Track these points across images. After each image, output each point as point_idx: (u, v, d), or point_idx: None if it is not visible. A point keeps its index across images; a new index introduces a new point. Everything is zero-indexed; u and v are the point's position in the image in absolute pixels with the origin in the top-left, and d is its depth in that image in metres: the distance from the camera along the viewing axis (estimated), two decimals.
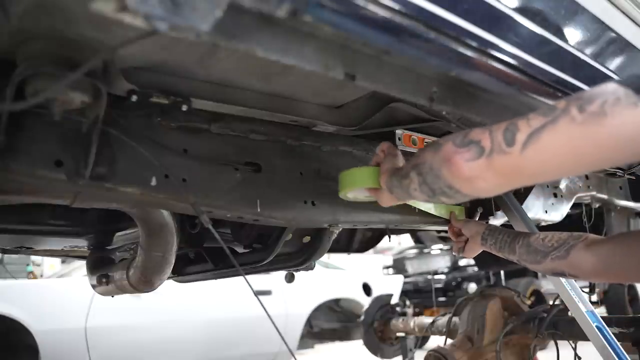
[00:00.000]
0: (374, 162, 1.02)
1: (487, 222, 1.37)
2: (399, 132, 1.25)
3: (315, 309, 4.69)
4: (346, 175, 1.02)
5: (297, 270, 1.62)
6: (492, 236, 1.24)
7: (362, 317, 3.50)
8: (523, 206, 1.57)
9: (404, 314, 3.31)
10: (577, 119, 0.59)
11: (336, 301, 5.06)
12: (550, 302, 2.02)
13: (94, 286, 1.64)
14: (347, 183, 1.02)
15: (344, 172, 1.02)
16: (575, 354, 1.91)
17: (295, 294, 4.45)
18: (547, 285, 5.77)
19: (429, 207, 1.37)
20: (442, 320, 2.64)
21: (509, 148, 0.63)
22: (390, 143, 1.03)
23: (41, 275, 7.18)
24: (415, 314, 3.30)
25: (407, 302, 3.42)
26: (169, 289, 3.10)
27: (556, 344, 1.95)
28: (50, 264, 7.57)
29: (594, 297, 2.46)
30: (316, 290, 4.73)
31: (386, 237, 2.05)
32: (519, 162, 0.63)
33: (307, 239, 1.49)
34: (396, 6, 0.66)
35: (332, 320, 5.12)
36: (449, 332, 2.41)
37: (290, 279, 1.70)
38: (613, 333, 1.49)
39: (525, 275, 5.91)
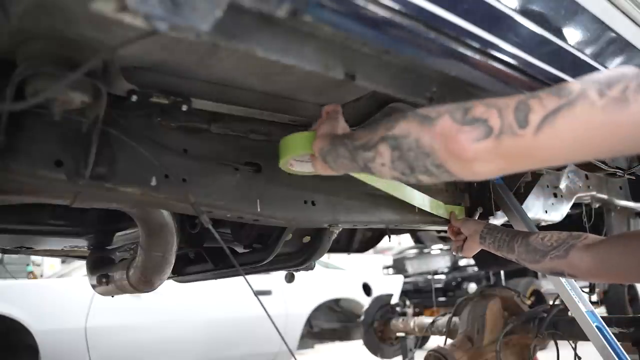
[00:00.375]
0: (318, 126, 0.93)
1: (487, 221, 1.37)
2: None
3: (315, 309, 4.69)
4: (285, 141, 0.93)
5: (297, 270, 1.62)
6: (491, 235, 1.23)
7: (362, 317, 3.50)
8: (523, 206, 1.57)
9: (404, 314, 3.31)
10: (597, 104, 0.55)
11: (336, 301, 5.06)
12: (550, 302, 2.02)
13: (94, 286, 1.64)
14: (283, 151, 0.93)
15: (284, 137, 0.93)
16: (575, 354, 1.91)
17: (295, 294, 4.45)
18: (547, 285, 5.77)
19: (424, 205, 1.36)
20: (442, 320, 2.64)
21: (521, 130, 0.58)
22: (336, 105, 0.94)
23: (41, 275, 7.18)
24: (415, 314, 3.30)
25: (407, 302, 3.42)
26: (169, 289, 3.10)
27: (556, 344, 1.95)
28: (50, 264, 7.57)
29: (594, 297, 2.46)
30: (316, 290, 4.73)
31: (386, 237, 2.05)
32: (531, 145, 0.58)
33: (307, 239, 1.49)
34: (396, 6, 0.66)
35: (332, 320, 5.12)
36: (449, 332, 2.41)
37: (290, 279, 1.70)
38: (613, 333, 1.49)
39: (525, 275, 5.91)
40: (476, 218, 1.51)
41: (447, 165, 0.64)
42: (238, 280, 1.30)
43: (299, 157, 0.94)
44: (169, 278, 1.55)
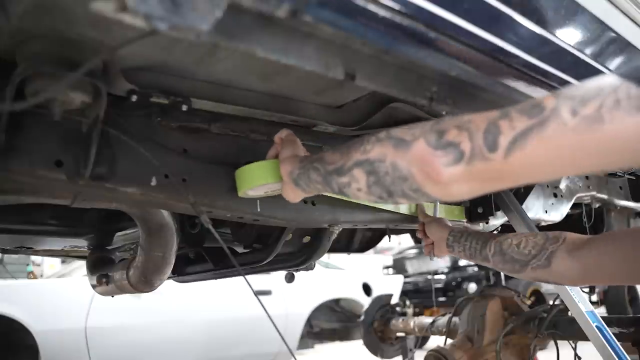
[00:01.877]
0: (272, 154, 0.94)
1: (452, 227, 1.25)
2: None
3: (315, 309, 4.69)
4: (243, 172, 0.93)
5: (297, 270, 1.62)
6: (459, 243, 1.16)
7: (362, 317, 3.50)
8: (523, 206, 1.57)
9: (404, 314, 3.31)
10: (568, 123, 0.51)
11: (336, 301, 5.06)
12: (550, 302, 2.02)
13: (94, 286, 1.64)
14: (246, 181, 0.93)
15: (240, 168, 0.94)
16: (575, 354, 1.91)
17: (295, 294, 4.45)
18: (547, 285, 5.77)
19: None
20: (442, 320, 2.64)
21: (491, 154, 0.55)
22: (289, 130, 0.95)
23: (41, 275, 7.18)
24: (415, 314, 3.30)
25: (407, 302, 3.42)
26: (169, 289, 3.11)
27: (556, 344, 1.95)
28: (50, 264, 7.57)
29: (594, 297, 2.47)
30: (316, 290, 4.73)
31: (386, 237, 2.05)
32: (502, 168, 0.56)
33: (307, 239, 1.49)
34: (396, 6, 0.66)
35: (332, 320, 5.13)
36: (449, 332, 2.41)
37: (290, 279, 1.70)
38: (613, 333, 1.49)
39: None
40: (447, 222, 1.33)
41: (424, 189, 0.64)
42: (238, 280, 1.30)
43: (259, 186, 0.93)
44: (169, 278, 1.55)
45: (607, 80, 0.51)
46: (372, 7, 0.64)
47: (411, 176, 0.64)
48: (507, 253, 1.04)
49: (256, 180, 0.91)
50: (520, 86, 0.94)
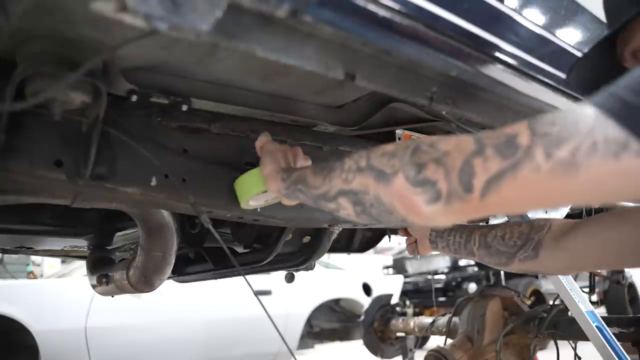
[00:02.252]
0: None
1: None
2: (399, 132, 1.25)
3: (315, 309, 4.69)
4: (238, 184, 0.94)
5: (297, 270, 1.62)
6: (442, 238, 1.14)
7: (362, 317, 3.50)
8: None
9: (404, 314, 3.31)
10: (542, 167, 0.48)
11: (336, 301, 5.06)
12: (550, 302, 2.02)
13: (94, 286, 1.64)
14: (241, 193, 0.94)
15: (237, 180, 0.95)
16: (575, 354, 1.91)
17: (295, 294, 4.45)
18: (547, 285, 5.77)
19: None
20: (442, 320, 2.64)
21: (468, 195, 0.55)
22: (266, 136, 0.94)
23: (41, 275, 7.18)
24: (415, 314, 3.30)
25: (407, 302, 3.42)
26: (169, 289, 3.11)
27: (556, 344, 1.95)
28: (50, 264, 7.57)
29: (594, 297, 2.46)
30: (316, 290, 4.73)
31: (386, 237, 2.05)
32: (479, 208, 0.56)
33: (307, 239, 1.49)
34: (396, 6, 0.66)
35: (332, 320, 5.13)
36: (449, 332, 2.42)
37: (290, 279, 1.70)
38: (613, 333, 1.49)
39: (525, 275, 5.91)
40: None
41: (410, 220, 0.64)
42: (238, 280, 1.30)
43: (257, 195, 0.93)
44: (169, 278, 1.56)
45: (585, 115, 0.48)
46: (372, 7, 0.64)
47: (395, 210, 0.64)
48: (492, 246, 1.03)
49: (248, 191, 0.92)
50: (520, 86, 0.94)
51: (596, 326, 1.47)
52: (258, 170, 0.91)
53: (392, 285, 5.38)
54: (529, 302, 2.24)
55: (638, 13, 0.69)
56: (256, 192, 0.92)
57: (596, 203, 0.49)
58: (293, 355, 1.04)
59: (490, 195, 0.53)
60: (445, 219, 0.60)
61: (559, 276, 1.57)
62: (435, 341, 4.32)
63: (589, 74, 0.80)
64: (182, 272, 1.82)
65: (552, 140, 0.48)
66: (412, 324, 3.06)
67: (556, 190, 0.50)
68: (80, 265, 3.85)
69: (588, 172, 0.46)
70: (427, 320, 2.91)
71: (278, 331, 0.92)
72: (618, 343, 1.46)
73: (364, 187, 0.67)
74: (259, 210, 1.04)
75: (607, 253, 0.88)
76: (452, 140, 0.59)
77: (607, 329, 1.48)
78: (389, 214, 0.66)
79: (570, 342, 1.93)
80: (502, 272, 5.70)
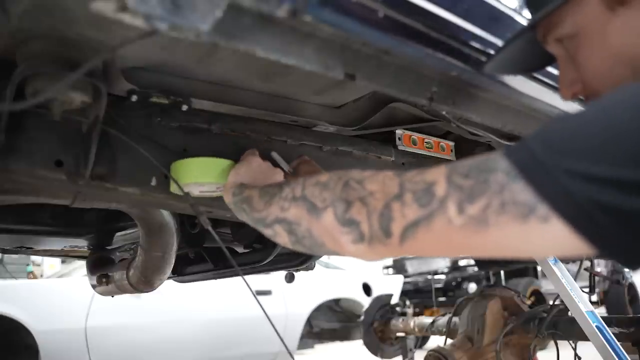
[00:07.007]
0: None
1: None
2: (399, 132, 1.25)
3: (315, 309, 4.70)
4: (194, 163, 0.88)
5: (297, 270, 1.62)
6: None
7: (362, 317, 3.50)
8: None
9: (404, 314, 3.31)
10: (454, 221, 0.50)
11: (336, 301, 5.06)
12: (550, 302, 2.02)
13: (94, 286, 1.64)
14: (198, 173, 0.88)
15: (190, 159, 0.89)
16: (575, 354, 1.91)
17: (295, 294, 4.45)
18: (547, 285, 5.77)
19: None
20: (442, 320, 2.64)
21: (387, 239, 0.56)
22: (252, 150, 0.94)
23: (41, 275, 7.18)
24: (415, 314, 3.30)
25: (407, 302, 3.42)
26: (169, 289, 3.11)
27: (556, 344, 1.95)
28: (50, 264, 7.57)
29: (594, 297, 2.46)
30: (316, 290, 4.73)
31: None
32: (399, 251, 0.57)
33: None
34: (396, 6, 0.66)
35: (332, 320, 5.13)
36: (449, 332, 2.41)
37: (290, 279, 1.70)
38: (613, 333, 1.49)
39: (525, 275, 5.91)
40: None
41: (341, 254, 0.65)
42: (238, 280, 1.30)
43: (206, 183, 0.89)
44: (169, 278, 1.56)
45: (498, 169, 0.48)
46: (372, 7, 0.64)
47: (325, 245, 0.66)
48: None
49: (207, 177, 0.88)
50: (521, 86, 0.94)
51: (596, 326, 1.47)
52: (228, 164, 0.88)
53: (392, 285, 5.38)
54: (529, 302, 2.24)
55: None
56: (211, 180, 0.88)
57: (506, 257, 0.51)
58: (292, 356, 1.04)
59: (407, 241, 0.55)
60: (370, 257, 0.61)
61: (559, 276, 1.57)
62: (435, 341, 4.33)
63: (508, 55, 0.79)
64: (182, 272, 1.82)
65: (465, 195, 0.49)
66: (412, 324, 3.06)
67: (466, 244, 0.51)
68: (80, 265, 3.85)
69: (497, 231, 0.47)
70: (427, 320, 2.90)
71: (277, 332, 0.92)
72: (618, 343, 1.46)
73: (297, 219, 0.69)
74: (190, 195, 0.93)
75: None
76: (379, 178, 0.60)
77: (607, 329, 1.48)
78: (320, 247, 0.67)
79: (570, 342, 1.93)
80: (502, 272, 5.72)
